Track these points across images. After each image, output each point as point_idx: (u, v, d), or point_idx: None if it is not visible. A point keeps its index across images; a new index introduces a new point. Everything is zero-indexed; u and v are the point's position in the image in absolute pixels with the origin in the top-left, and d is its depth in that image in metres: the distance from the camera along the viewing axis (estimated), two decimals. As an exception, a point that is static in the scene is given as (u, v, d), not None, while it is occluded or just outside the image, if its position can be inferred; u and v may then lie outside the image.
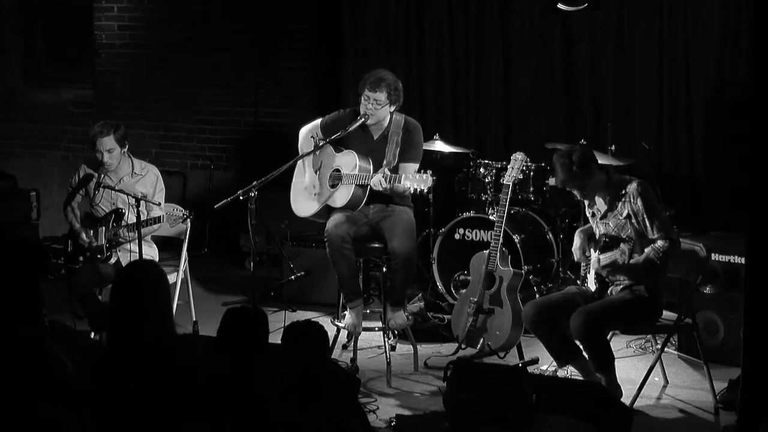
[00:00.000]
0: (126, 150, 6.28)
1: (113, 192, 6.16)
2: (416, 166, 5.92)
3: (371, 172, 5.87)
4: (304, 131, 6.22)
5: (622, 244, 5.32)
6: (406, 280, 5.98)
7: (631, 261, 5.34)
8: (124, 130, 6.27)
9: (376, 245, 5.98)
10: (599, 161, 5.57)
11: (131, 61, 9.31)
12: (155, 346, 3.93)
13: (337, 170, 6.01)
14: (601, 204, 5.49)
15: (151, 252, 6.33)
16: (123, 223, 6.15)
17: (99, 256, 6.17)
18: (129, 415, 3.87)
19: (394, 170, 5.86)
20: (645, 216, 5.29)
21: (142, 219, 5.93)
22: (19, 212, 8.43)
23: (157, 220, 6.10)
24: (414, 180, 5.60)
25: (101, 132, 6.17)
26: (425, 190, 5.65)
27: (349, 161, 5.95)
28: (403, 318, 6.00)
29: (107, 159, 6.19)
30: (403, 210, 6.01)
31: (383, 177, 5.71)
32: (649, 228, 5.30)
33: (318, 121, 6.19)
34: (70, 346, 4.15)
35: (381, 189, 5.74)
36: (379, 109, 5.89)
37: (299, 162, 6.13)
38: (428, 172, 5.61)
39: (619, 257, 5.31)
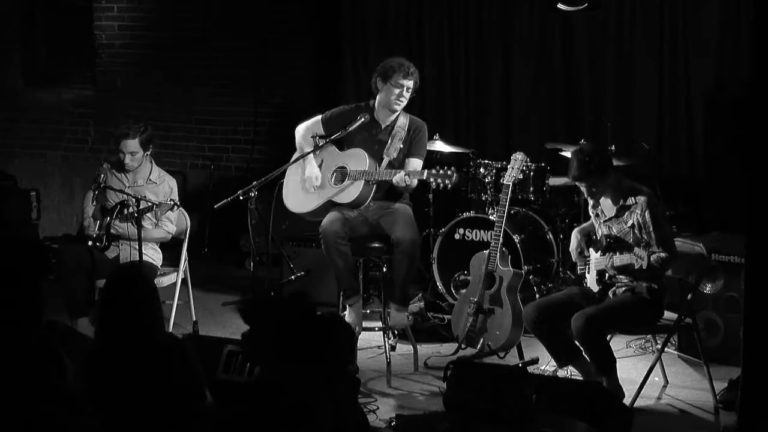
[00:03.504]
0: (149, 153, 6.24)
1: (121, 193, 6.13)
2: (420, 162, 5.88)
3: (377, 169, 5.82)
4: (301, 128, 6.12)
5: (636, 249, 5.28)
6: (409, 272, 5.85)
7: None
8: (150, 132, 6.21)
9: (376, 245, 5.94)
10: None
11: (131, 61, 9.31)
12: (142, 349, 3.95)
13: (343, 167, 5.96)
14: (607, 207, 5.48)
15: (155, 255, 6.32)
16: (124, 212, 6.10)
17: (98, 244, 6.13)
18: (118, 412, 3.89)
19: (399, 166, 5.83)
20: (652, 228, 5.30)
21: (152, 224, 5.92)
22: (19, 212, 8.42)
23: (148, 209, 5.99)
24: (438, 175, 5.52)
25: (126, 134, 6.12)
26: (449, 186, 5.56)
27: (358, 158, 5.86)
28: (404, 318, 5.98)
29: (129, 161, 6.15)
30: (403, 206, 5.96)
31: (406, 174, 5.62)
32: (654, 239, 5.30)
33: (318, 117, 6.10)
34: (70, 346, 4.16)
35: (403, 186, 5.66)
36: (408, 97, 5.81)
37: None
38: (452, 168, 5.54)
39: (636, 262, 5.26)
